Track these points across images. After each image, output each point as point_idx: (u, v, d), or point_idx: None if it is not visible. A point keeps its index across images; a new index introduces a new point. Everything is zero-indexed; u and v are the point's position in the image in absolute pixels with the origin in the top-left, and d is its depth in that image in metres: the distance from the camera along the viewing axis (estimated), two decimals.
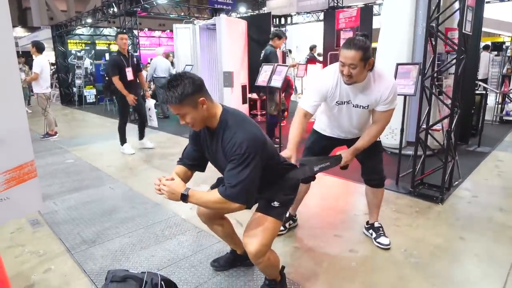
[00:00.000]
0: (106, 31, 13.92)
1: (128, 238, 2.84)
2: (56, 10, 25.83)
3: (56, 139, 6.66)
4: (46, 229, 3.04)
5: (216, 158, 1.81)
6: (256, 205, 1.93)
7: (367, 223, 2.84)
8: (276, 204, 1.84)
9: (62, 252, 2.66)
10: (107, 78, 5.73)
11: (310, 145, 2.68)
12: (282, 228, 2.84)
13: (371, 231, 2.76)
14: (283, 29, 13.36)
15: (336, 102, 2.32)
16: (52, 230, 3.00)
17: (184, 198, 1.67)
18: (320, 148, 2.64)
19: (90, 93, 12.27)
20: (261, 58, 5.59)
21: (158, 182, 1.74)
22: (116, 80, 5.14)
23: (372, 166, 2.61)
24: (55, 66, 13.50)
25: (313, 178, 2.79)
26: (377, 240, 2.67)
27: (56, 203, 3.58)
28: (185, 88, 1.57)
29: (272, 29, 9.11)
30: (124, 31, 6.11)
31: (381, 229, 2.73)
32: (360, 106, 2.30)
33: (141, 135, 5.87)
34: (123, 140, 5.61)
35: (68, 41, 12.87)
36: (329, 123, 2.54)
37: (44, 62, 6.48)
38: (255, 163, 1.63)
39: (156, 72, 8.45)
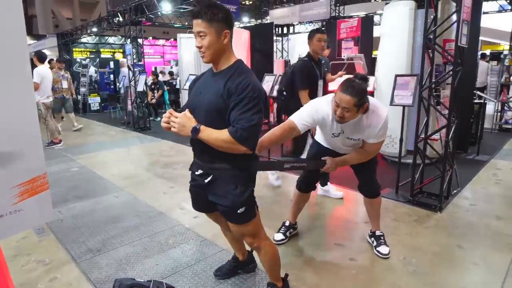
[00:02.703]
0: (111, 39, 14.14)
1: (132, 247, 2.90)
2: (61, 18, 26.14)
3: (61, 147, 6.76)
4: (51, 238, 3.10)
5: (202, 95, 1.76)
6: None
7: (371, 230, 2.91)
8: (242, 209, 1.81)
9: (67, 260, 2.72)
10: (285, 93, 3.91)
11: (312, 156, 2.75)
12: (283, 237, 2.91)
13: (372, 239, 2.83)
14: (285, 38, 13.52)
15: (332, 134, 2.38)
16: (58, 239, 3.06)
17: (195, 131, 1.64)
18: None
19: (94, 101, 12.41)
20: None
21: (168, 115, 1.69)
22: (304, 95, 3.56)
23: (365, 177, 2.69)
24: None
25: (314, 187, 2.86)
26: (377, 248, 2.72)
27: (61, 211, 3.65)
28: (222, 13, 1.64)
29: (274, 37, 9.20)
30: (323, 29, 4.47)
31: (382, 237, 2.79)
32: (352, 138, 2.37)
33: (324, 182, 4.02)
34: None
35: (74, 49, 13.09)
36: (325, 141, 2.64)
37: (45, 71, 6.62)
38: (261, 112, 1.65)
39: (126, 82, 9.07)
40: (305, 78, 3.57)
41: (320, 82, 3.75)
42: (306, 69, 3.61)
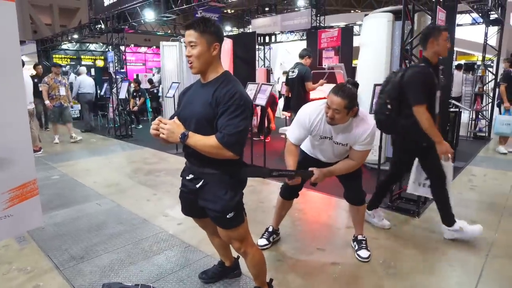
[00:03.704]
0: (92, 46, 13.98)
1: (116, 254, 2.89)
2: (40, 24, 25.63)
3: (41, 155, 6.62)
4: (33, 246, 3.05)
5: (192, 104, 1.83)
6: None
7: (354, 235, 2.98)
8: (231, 214, 1.86)
9: (50, 268, 2.69)
10: (389, 107, 2.95)
11: (298, 164, 2.82)
12: (266, 242, 2.96)
13: (355, 243, 2.91)
14: (267, 47, 13.69)
15: (320, 136, 2.50)
16: (40, 247, 3.02)
17: (184, 137, 1.70)
18: (307, 167, 2.76)
19: (74, 108, 12.18)
20: (293, 77, 5.58)
21: (157, 122, 1.74)
22: (423, 112, 2.74)
23: (351, 187, 2.77)
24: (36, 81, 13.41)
25: (296, 195, 2.92)
26: (357, 252, 2.81)
27: (43, 219, 3.58)
28: (213, 27, 1.74)
29: (257, 46, 9.30)
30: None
31: (363, 242, 2.87)
32: (340, 143, 2.47)
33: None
34: (450, 219, 3.04)
35: (53, 55, 12.88)
36: (313, 149, 2.72)
37: (25, 77, 6.49)
38: (248, 119, 1.74)
39: (82, 89, 9.21)
40: (424, 89, 2.78)
41: (438, 94, 2.94)
42: (424, 78, 2.81)
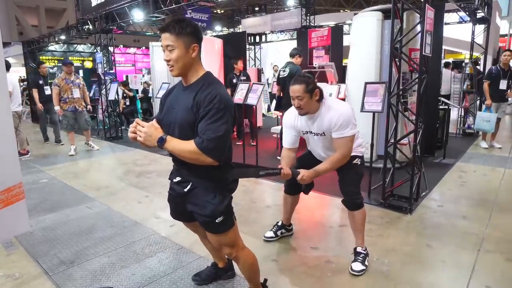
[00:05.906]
0: (80, 47, 13.82)
1: (107, 257, 2.84)
2: (26, 25, 25.22)
3: (29, 158, 6.51)
4: (21, 251, 2.99)
5: (174, 109, 1.78)
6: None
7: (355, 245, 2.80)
8: (221, 218, 1.82)
9: (39, 274, 2.63)
10: None
11: (301, 156, 2.90)
12: (273, 235, 3.08)
13: (353, 254, 2.72)
14: (257, 47, 13.69)
15: (303, 132, 2.63)
16: (28, 252, 2.96)
17: (162, 141, 1.63)
18: (307, 162, 2.72)
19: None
20: (284, 76, 5.61)
21: (135, 125, 1.68)
22: None
23: (342, 186, 2.69)
24: (25, 83, 13.15)
25: (299, 190, 2.88)
26: (351, 264, 2.63)
27: (31, 224, 3.49)
28: (190, 27, 1.68)
29: (247, 46, 9.29)
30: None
31: (360, 255, 2.66)
32: (317, 134, 2.54)
33: None
34: None
35: (40, 57, 12.69)
36: (308, 146, 2.81)
37: (13, 79, 6.32)
38: (229, 123, 1.67)
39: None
40: None
41: None
42: None
